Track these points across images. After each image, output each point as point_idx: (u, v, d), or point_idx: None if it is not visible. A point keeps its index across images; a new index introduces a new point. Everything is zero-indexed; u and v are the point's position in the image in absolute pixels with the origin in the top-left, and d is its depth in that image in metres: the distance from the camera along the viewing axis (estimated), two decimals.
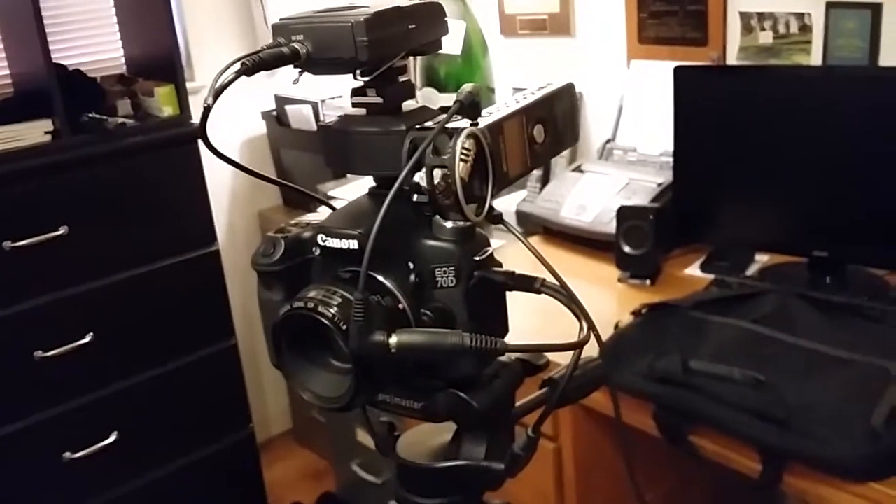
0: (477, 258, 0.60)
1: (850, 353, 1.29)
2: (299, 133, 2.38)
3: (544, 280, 0.60)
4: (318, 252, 0.62)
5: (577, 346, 0.58)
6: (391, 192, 0.55)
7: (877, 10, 1.60)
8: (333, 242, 0.60)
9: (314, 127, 2.33)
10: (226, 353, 2.19)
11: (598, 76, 2.11)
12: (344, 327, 0.55)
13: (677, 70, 1.68)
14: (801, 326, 1.37)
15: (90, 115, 1.93)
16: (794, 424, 1.17)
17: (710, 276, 1.69)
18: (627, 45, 2.06)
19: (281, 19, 0.61)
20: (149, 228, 2.00)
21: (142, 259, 2.00)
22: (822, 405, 1.20)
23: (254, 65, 0.58)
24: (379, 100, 0.62)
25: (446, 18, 0.65)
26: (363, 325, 0.54)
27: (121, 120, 1.96)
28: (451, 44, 2.19)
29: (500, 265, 0.62)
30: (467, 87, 0.57)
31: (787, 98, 1.58)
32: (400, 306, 0.58)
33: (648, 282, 1.71)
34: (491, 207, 0.59)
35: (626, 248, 1.72)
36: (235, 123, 2.50)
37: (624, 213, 1.72)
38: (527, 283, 0.60)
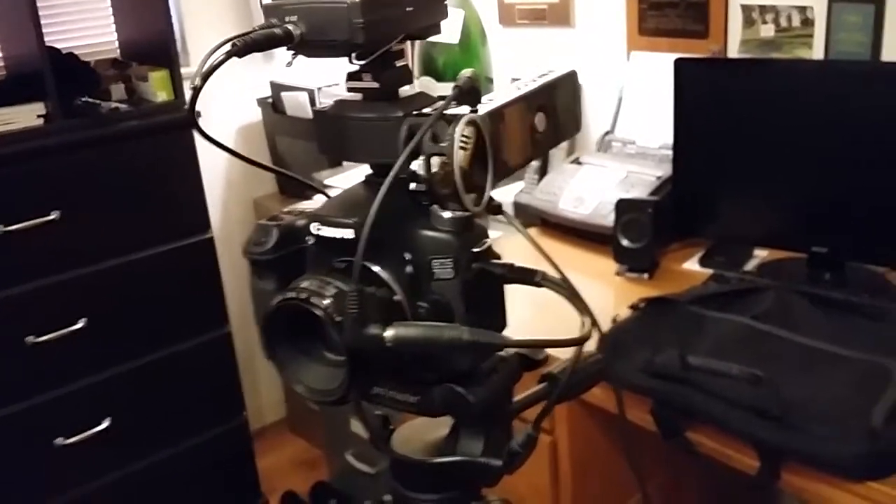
0: (475, 250, 0.58)
1: (849, 351, 1.28)
2: (295, 120, 2.35)
3: (545, 273, 0.58)
4: (311, 241, 0.61)
5: (580, 342, 0.56)
6: (387, 181, 0.53)
7: (880, 5, 1.59)
8: (328, 231, 0.58)
9: (310, 114, 2.30)
10: (219, 341, 2.18)
11: (597, 67, 2.09)
12: (338, 319, 0.53)
13: (678, 62, 1.66)
14: (800, 323, 1.36)
15: (83, 99, 1.90)
16: (792, 422, 1.16)
17: (709, 271, 1.68)
18: (627, 36, 2.04)
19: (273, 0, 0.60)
20: (142, 215, 1.99)
21: (135, 245, 1.98)
22: (820, 403, 1.19)
23: (245, 45, 0.57)
24: (375, 85, 0.61)
25: (445, 2, 0.63)
26: (358, 318, 0.52)
27: (114, 104, 1.94)
28: (449, 32, 2.17)
29: (499, 257, 0.60)
30: (466, 72, 0.55)
31: (789, 92, 1.57)
32: (395, 298, 0.57)
33: (646, 275, 1.70)
34: (490, 198, 0.57)
35: (625, 242, 1.70)
36: (231, 110, 2.47)
37: (623, 206, 1.70)
38: (527, 276, 0.59)
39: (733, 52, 1.85)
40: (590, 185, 1.85)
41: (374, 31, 0.58)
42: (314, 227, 0.59)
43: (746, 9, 1.80)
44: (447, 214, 0.57)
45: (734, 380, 1.25)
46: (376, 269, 0.56)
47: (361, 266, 0.54)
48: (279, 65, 2.51)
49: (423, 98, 0.61)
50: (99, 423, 1.97)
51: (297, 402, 2.69)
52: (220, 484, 2.26)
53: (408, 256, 0.58)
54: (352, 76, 0.62)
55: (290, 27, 0.58)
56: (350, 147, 0.62)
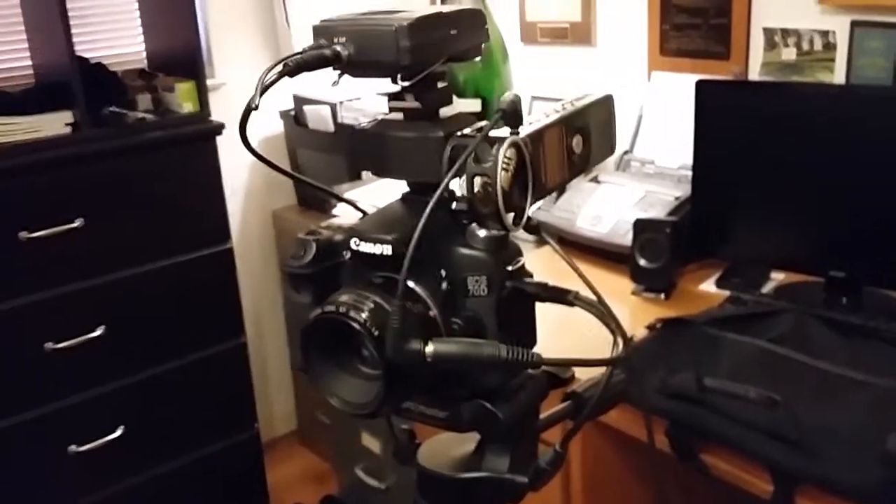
0: (510, 268, 0.59)
1: (866, 376, 1.28)
2: (316, 133, 2.37)
3: (577, 293, 0.59)
4: (349, 256, 0.62)
5: (613, 363, 0.57)
6: (433, 199, 0.54)
7: None
8: (367, 247, 0.59)
9: (332, 128, 2.33)
10: (234, 352, 2.19)
11: (618, 86, 2.10)
12: (376, 333, 0.54)
13: (699, 84, 1.67)
14: (817, 347, 1.36)
15: (111, 108, 1.94)
16: (808, 446, 1.16)
17: (726, 293, 1.68)
18: (649, 56, 2.05)
19: (322, 21, 0.61)
20: (164, 224, 2.01)
21: (155, 254, 2.00)
22: (837, 427, 1.19)
23: (296, 65, 0.58)
24: (417, 105, 0.62)
25: (486, 26, 0.64)
26: (400, 333, 0.53)
27: (140, 115, 1.97)
28: None
29: (531, 276, 0.61)
30: (509, 95, 0.56)
31: (809, 115, 1.57)
32: (431, 314, 0.58)
33: (663, 296, 1.70)
34: (529, 217, 0.59)
35: (642, 262, 1.71)
36: (253, 121, 2.48)
37: (641, 226, 1.71)
38: (560, 295, 0.60)
39: (754, 74, 1.86)
40: (608, 204, 1.86)
41: (419, 53, 0.59)
42: (353, 243, 0.60)
43: (768, 31, 1.81)
44: (482, 233, 0.58)
45: (750, 402, 1.25)
46: (412, 284, 0.57)
47: (398, 281, 0.55)
48: (302, 78, 2.53)
49: (464, 118, 0.63)
50: (113, 431, 1.99)
51: (308, 414, 2.70)
52: (231, 495, 2.27)
53: (443, 273, 0.59)
54: (394, 96, 0.64)
55: (338, 48, 0.60)
56: (390, 164, 0.64)
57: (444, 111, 0.63)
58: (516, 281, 0.59)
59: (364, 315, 0.55)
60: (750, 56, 1.86)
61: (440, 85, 0.63)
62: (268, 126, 2.54)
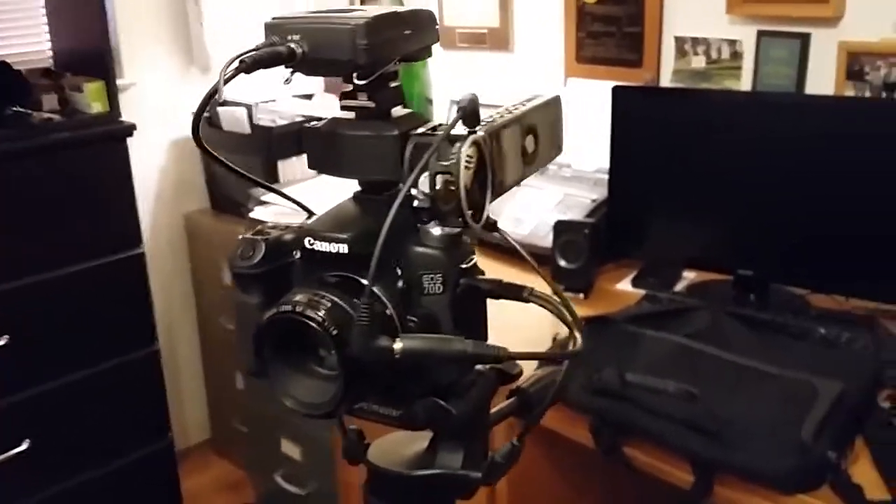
0: (463, 266, 0.60)
1: (777, 369, 1.34)
2: (231, 135, 2.33)
3: (532, 289, 0.60)
4: (299, 255, 0.61)
5: (575, 356, 0.58)
6: (399, 197, 0.54)
7: (806, 40, 1.68)
8: (321, 246, 0.59)
9: (248, 129, 2.29)
10: (147, 360, 2.13)
11: (534, 92, 2.14)
12: (334, 332, 0.54)
13: (616, 90, 1.72)
14: (731, 342, 1.42)
15: (14, 108, 1.85)
16: (725, 437, 1.21)
17: (641, 292, 1.73)
18: (565, 62, 2.10)
19: (275, 18, 0.60)
20: (72, 229, 1.93)
21: (63, 260, 1.93)
22: (752, 418, 1.24)
23: (252, 62, 0.57)
24: (370, 104, 0.62)
25: (437, 26, 0.65)
26: (367, 330, 0.53)
27: (46, 115, 1.89)
28: None
29: (483, 273, 0.62)
30: (468, 94, 0.57)
31: (718, 121, 1.64)
32: (388, 312, 0.57)
33: (582, 295, 1.74)
34: (487, 215, 0.59)
35: (562, 262, 1.74)
36: (164, 124, 2.43)
37: (561, 228, 1.75)
38: (514, 292, 0.61)
39: (665, 81, 1.92)
40: (528, 207, 1.89)
41: (376, 52, 0.59)
42: (307, 242, 0.59)
43: (679, 40, 1.88)
44: (437, 231, 0.58)
45: (670, 396, 1.29)
46: (364, 281, 0.57)
47: (353, 280, 0.55)
48: (214, 79, 2.48)
49: (415, 118, 0.63)
50: (18, 445, 1.90)
51: (223, 422, 2.64)
52: None
53: (399, 272, 0.59)
54: (346, 95, 0.63)
55: (293, 45, 0.59)
56: (342, 163, 0.63)
57: (396, 111, 0.63)
58: (470, 278, 0.60)
59: (321, 314, 0.55)
60: (661, 64, 1.92)
61: (392, 84, 0.63)
62: (179, 127, 2.47)
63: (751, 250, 1.66)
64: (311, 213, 0.67)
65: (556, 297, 0.59)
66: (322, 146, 0.63)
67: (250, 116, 2.28)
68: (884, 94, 1.60)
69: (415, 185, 0.56)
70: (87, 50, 2.02)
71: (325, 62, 0.59)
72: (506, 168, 0.60)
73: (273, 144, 2.26)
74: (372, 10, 0.59)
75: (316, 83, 2.62)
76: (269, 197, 2.08)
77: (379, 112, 0.62)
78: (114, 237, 2.02)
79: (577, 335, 0.58)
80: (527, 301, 0.60)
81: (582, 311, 1.58)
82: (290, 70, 0.60)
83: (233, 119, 2.31)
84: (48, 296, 1.91)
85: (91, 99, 1.94)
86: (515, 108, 0.63)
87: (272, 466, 2.21)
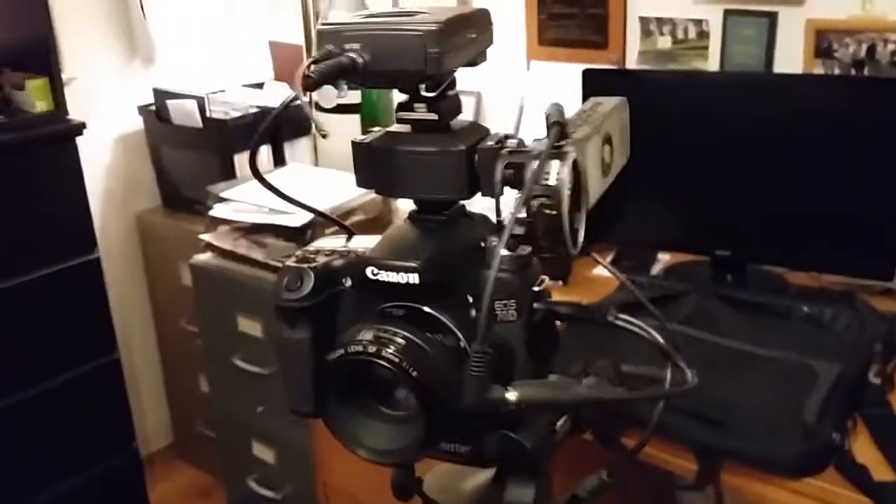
0: (535, 289, 0.56)
1: (770, 351, 1.34)
2: (182, 129, 2.24)
3: (616, 311, 0.57)
4: (349, 283, 0.56)
5: (687, 393, 0.55)
6: (506, 230, 0.50)
7: (773, 19, 1.68)
8: (388, 276, 0.54)
9: (199, 123, 2.20)
10: (108, 369, 2.04)
11: (498, 76, 2.10)
12: (414, 374, 0.49)
13: (586, 72, 1.69)
14: (722, 326, 1.41)
15: None
16: (728, 424, 1.20)
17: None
18: (527, 45, 2.06)
19: (328, 24, 0.54)
20: (21, 236, 1.83)
21: (14, 270, 1.83)
22: (752, 403, 1.23)
23: (320, 78, 0.51)
24: (433, 116, 0.57)
25: (492, 25, 0.60)
26: (482, 381, 0.49)
27: None
28: None
29: (551, 295, 0.58)
30: (555, 107, 0.52)
31: (689, 102, 1.63)
32: (461, 345, 0.53)
33: (561, 283, 1.72)
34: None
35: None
36: (110, 119, 2.32)
37: None
38: (597, 315, 0.57)
39: (631, 62, 1.90)
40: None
41: (446, 61, 0.54)
42: (370, 272, 0.54)
43: (644, 21, 1.86)
44: (505, 253, 0.54)
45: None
46: (437, 314, 0.52)
47: (420, 311, 0.51)
48: (160, 70, 2.38)
49: (477, 129, 0.58)
50: None
51: (187, 427, 2.56)
52: None
53: (470, 299, 0.54)
54: (403, 107, 0.58)
55: (353, 55, 0.53)
56: (400, 182, 0.57)
57: (456, 122, 0.58)
58: (544, 302, 0.56)
59: (397, 354, 0.50)
60: (627, 45, 1.90)
61: (450, 93, 0.58)
62: (124, 123, 2.36)
63: (726, 230, 1.66)
64: (351, 233, 0.62)
65: (644, 322, 0.56)
66: (375, 163, 0.58)
67: (202, 109, 2.19)
68: (853, 71, 1.61)
69: (498, 206, 0.51)
70: (26, 44, 1.90)
71: (389, 73, 0.54)
72: (590, 183, 0.57)
73: (228, 138, 2.18)
74: (437, 12, 0.54)
75: (267, 72, 2.53)
76: (230, 194, 2.00)
77: (440, 124, 0.57)
78: (66, 243, 1.92)
79: (684, 366, 0.54)
80: (613, 326, 0.57)
81: (564, 299, 1.57)
82: (346, 83, 0.53)
83: (183, 112, 2.22)
84: (1, 308, 1.80)
85: (35, 97, 1.83)
86: (589, 116, 0.59)
87: (244, 470, 2.15)
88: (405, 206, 1.95)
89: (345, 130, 2.15)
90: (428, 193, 0.58)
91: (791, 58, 1.68)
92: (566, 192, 0.51)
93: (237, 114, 2.21)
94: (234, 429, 2.15)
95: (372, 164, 0.58)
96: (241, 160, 2.22)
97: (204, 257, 2.01)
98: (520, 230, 0.54)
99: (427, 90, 0.56)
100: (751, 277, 1.66)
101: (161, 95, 2.26)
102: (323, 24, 0.54)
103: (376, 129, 0.59)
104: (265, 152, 2.27)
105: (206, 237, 1.99)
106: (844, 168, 1.50)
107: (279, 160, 2.27)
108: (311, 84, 0.51)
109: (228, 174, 2.18)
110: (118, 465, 2.11)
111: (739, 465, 1.20)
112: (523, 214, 0.53)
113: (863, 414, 1.23)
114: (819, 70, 1.65)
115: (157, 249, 2.43)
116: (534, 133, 2.00)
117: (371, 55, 0.53)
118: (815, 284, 1.63)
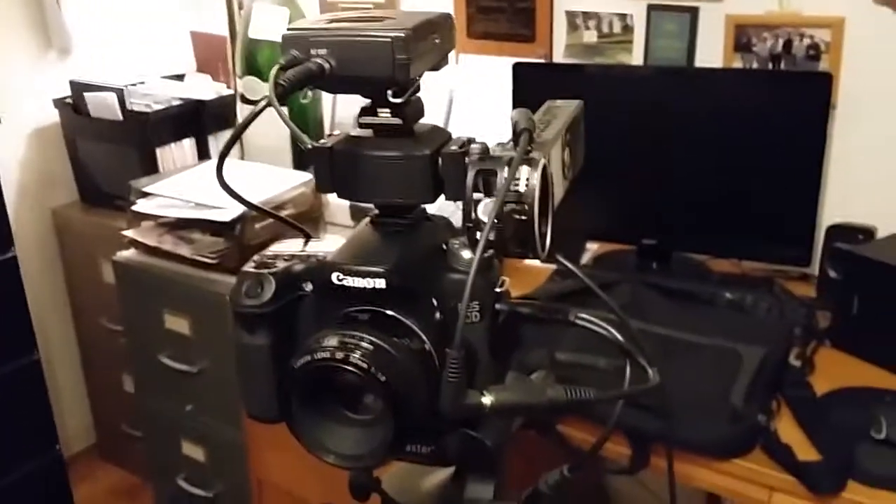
0: (497, 290, 0.57)
1: (698, 337, 1.39)
2: (101, 123, 2.17)
3: (578, 311, 0.58)
4: (309, 288, 0.56)
5: (657, 390, 0.56)
6: (484, 234, 0.50)
7: (695, 14, 1.73)
8: (353, 281, 0.54)
9: (119, 116, 2.14)
10: (28, 370, 1.97)
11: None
12: (382, 379, 0.50)
13: (516, 66, 1.72)
14: (654, 314, 1.45)
15: None
16: (661, 409, 1.24)
17: (551, 266, 1.75)
18: (457, 39, 2.06)
19: (293, 29, 0.53)
20: None
21: None
22: (682, 388, 1.27)
23: (290, 87, 0.50)
24: (397, 121, 0.56)
25: (454, 31, 0.60)
26: (458, 387, 0.49)
27: None
28: (273, 31, 2.09)
29: (510, 295, 0.59)
30: (522, 112, 0.53)
31: (614, 95, 1.67)
32: (426, 348, 0.54)
33: None
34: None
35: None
36: (24, 112, 2.23)
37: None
38: (560, 316, 0.58)
39: (558, 56, 1.93)
40: None
41: (414, 67, 0.54)
42: (335, 277, 0.54)
43: (570, 15, 1.89)
44: (467, 254, 0.55)
45: (602, 372, 1.31)
46: (402, 318, 0.53)
47: (384, 315, 0.51)
48: (77, 62, 2.30)
49: (440, 133, 0.58)
50: None
51: (110, 427, 2.49)
52: None
53: (435, 303, 0.55)
54: (366, 111, 0.57)
55: (320, 61, 0.52)
56: (362, 186, 0.57)
57: (418, 126, 0.58)
58: (506, 303, 0.57)
59: (365, 360, 0.50)
60: (554, 39, 1.93)
61: (413, 98, 0.58)
62: (39, 116, 2.27)
63: (652, 220, 1.71)
64: (308, 237, 0.62)
65: (606, 321, 0.57)
66: (337, 167, 0.57)
67: (121, 102, 2.13)
68: (770, 65, 1.67)
69: (473, 210, 0.52)
70: None
71: (356, 79, 0.53)
72: (555, 188, 0.58)
73: (149, 131, 2.12)
74: (404, 18, 0.53)
75: (188, 62, 2.47)
76: (153, 188, 1.95)
77: (405, 129, 0.57)
78: None
79: (646, 365, 0.56)
80: (573, 325, 0.58)
81: None
82: (310, 88, 0.53)
83: (102, 105, 2.15)
84: None
85: None
86: (549, 121, 0.60)
87: (173, 470, 2.11)
88: (336, 200, 1.93)
89: (271, 124, 2.15)
90: (392, 198, 0.58)
91: (712, 52, 1.74)
92: (536, 198, 0.52)
93: (159, 106, 2.15)
94: (161, 428, 2.10)
95: (333, 169, 0.58)
96: (163, 154, 2.16)
97: (127, 254, 1.96)
98: (489, 233, 0.54)
99: (394, 96, 0.56)
100: (676, 265, 1.71)
101: (78, 88, 2.18)
102: (288, 30, 0.53)
103: (336, 132, 0.59)
104: (188, 146, 2.23)
105: (129, 233, 1.93)
106: (763, 158, 1.56)
107: (203, 154, 2.23)
108: (282, 92, 0.50)
109: (150, 168, 2.12)
110: (41, 467, 2.03)
111: (671, 448, 1.24)
112: (483, 217, 0.53)
113: (785, 396, 1.29)
114: (738, 64, 1.70)
115: (76, 246, 2.35)
116: (466, 125, 2.01)
117: (337, 61, 0.53)
118: (736, 271, 1.69)
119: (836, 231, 1.57)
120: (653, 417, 1.23)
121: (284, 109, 0.49)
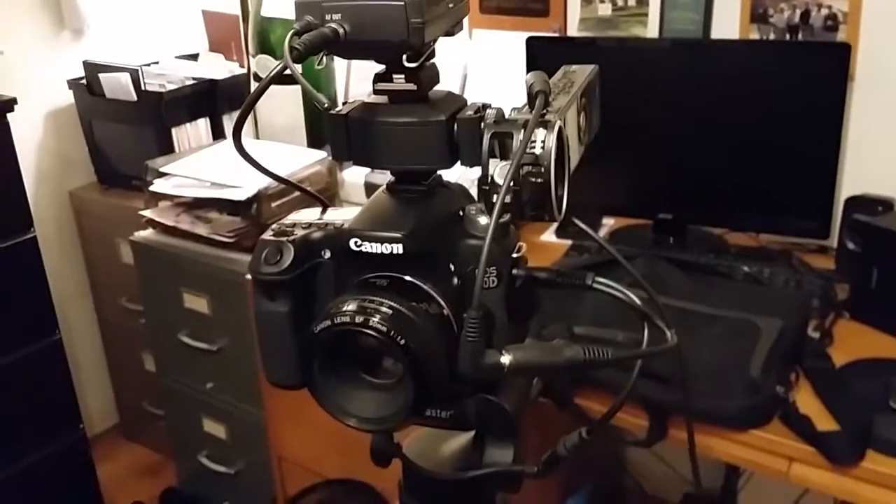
0: (514, 255, 0.57)
1: (716, 310, 1.39)
2: (116, 103, 2.18)
3: (594, 276, 0.58)
4: (328, 255, 0.56)
5: (674, 351, 0.57)
6: (501, 196, 0.50)
7: None
8: (372, 247, 0.54)
9: (134, 96, 2.14)
10: (50, 350, 1.99)
11: (440, 45, 2.10)
12: (402, 342, 0.50)
13: (530, 40, 1.71)
14: (671, 287, 1.45)
15: None
16: (678, 381, 1.24)
17: (567, 242, 1.75)
18: (469, 14, 2.05)
19: None
20: None
21: None
22: (702, 361, 1.28)
23: (305, 50, 0.50)
24: (412, 86, 0.56)
25: None
26: (477, 347, 0.49)
27: None
28: (285, 9, 2.08)
29: (527, 261, 0.59)
30: (537, 74, 0.53)
31: (630, 68, 1.65)
32: (445, 313, 0.54)
33: None
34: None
35: (485, 220, 1.73)
36: (38, 93, 2.24)
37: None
38: (577, 280, 0.58)
39: (573, 30, 1.92)
40: None
41: (428, 31, 0.54)
42: (353, 243, 0.54)
43: None
44: (484, 220, 0.55)
45: (620, 346, 1.31)
46: (421, 283, 0.53)
47: (403, 281, 0.51)
48: (91, 42, 2.31)
49: (455, 99, 0.58)
50: None
51: (132, 406, 2.52)
52: (61, 502, 2.09)
53: (452, 268, 0.55)
54: (381, 77, 0.57)
55: (334, 26, 0.52)
56: (379, 153, 0.57)
57: (434, 92, 0.58)
58: (524, 268, 0.57)
59: (385, 324, 0.50)
60: (568, 12, 1.91)
61: (428, 63, 0.58)
62: (55, 97, 2.28)
63: (668, 194, 1.70)
64: (325, 205, 0.62)
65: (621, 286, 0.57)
66: (352, 134, 0.57)
67: (136, 82, 2.14)
68: (788, 36, 1.66)
69: (489, 173, 0.51)
70: None
71: (370, 44, 0.53)
72: (571, 151, 0.57)
73: (164, 111, 2.13)
74: None
75: (201, 42, 2.48)
76: (169, 168, 1.96)
77: (420, 94, 0.57)
78: (1, 223, 1.86)
79: (664, 327, 0.56)
80: (591, 289, 0.58)
81: None
82: (325, 55, 0.53)
83: (116, 85, 2.16)
84: None
85: None
86: (565, 84, 0.60)
87: (195, 447, 2.13)
88: (351, 178, 1.93)
89: (284, 104, 2.14)
90: (408, 164, 0.58)
91: (728, 23, 1.72)
92: (552, 160, 0.52)
93: (173, 86, 2.16)
94: (182, 406, 2.13)
95: (349, 136, 0.58)
96: (178, 133, 2.17)
97: (145, 234, 1.97)
98: (506, 196, 0.54)
99: (408, 60, 0.56)
100: (692, 240, 1.70)
101: (92, 68, 2.19)
102: None
103: (352, 100, 0.59)
104: (203, 125, 2.23)
105: (147, 213, 1.95)
106: (780, 130, 1.55)
107: (218, 133, 2.24)
108: (297, 56, 0.50)
109: (166, 148, 2.13)
110: (65, 446, 2.06)
111: (689, 419, 1.24)
112: (500, 180, 0.53)
113: (804, 367, 1.29)
114: (755, 35, 1.69)
115: (94, 227, 2.37)
116: (480, 99, 2.00)
117: (352, 26, 0.53)
118: (753, 244, 1.68)
119: (855, 203, 1.55)
120: (671, 389, 1.24)
121: (298, 67, 0.49)
